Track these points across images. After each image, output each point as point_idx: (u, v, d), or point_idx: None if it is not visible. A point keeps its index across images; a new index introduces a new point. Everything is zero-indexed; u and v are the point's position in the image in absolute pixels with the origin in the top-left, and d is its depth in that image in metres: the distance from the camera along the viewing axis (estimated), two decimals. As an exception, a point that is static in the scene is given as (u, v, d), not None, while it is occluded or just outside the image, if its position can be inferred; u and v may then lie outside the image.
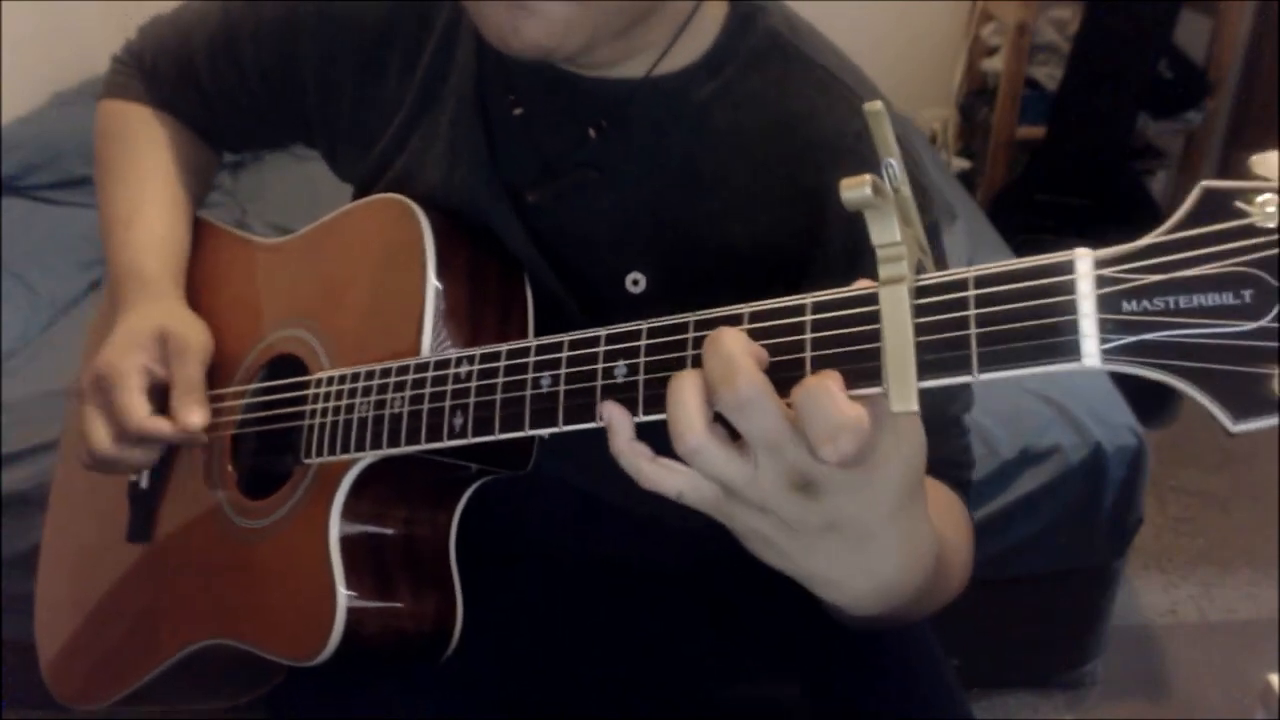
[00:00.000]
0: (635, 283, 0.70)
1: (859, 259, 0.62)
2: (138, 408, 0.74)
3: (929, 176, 0.72)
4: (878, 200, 0.40)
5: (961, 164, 2.73)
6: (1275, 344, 0.36)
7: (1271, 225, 0.36)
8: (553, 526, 0.83)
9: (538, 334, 0.70)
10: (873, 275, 0.43)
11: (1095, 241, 0.41)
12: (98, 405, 0.76)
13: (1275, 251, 0.36)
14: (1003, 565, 1.43)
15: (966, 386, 0.74)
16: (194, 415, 0.74)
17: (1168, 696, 1.64)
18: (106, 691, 0.83)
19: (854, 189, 0.39)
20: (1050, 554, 1.45)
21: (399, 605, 0.68)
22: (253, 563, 0.72)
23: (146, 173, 0.87)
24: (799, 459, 0.42)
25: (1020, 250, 1.97)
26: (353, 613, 0.65)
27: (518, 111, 0.72)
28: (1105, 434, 1.40)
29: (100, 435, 0.76)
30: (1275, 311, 0.36)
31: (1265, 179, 0.37)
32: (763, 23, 0.70)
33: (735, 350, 0.42)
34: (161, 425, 0.74)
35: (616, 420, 0.47)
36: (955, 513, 0.68)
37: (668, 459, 0.45)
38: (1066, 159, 2.43)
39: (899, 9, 2.65)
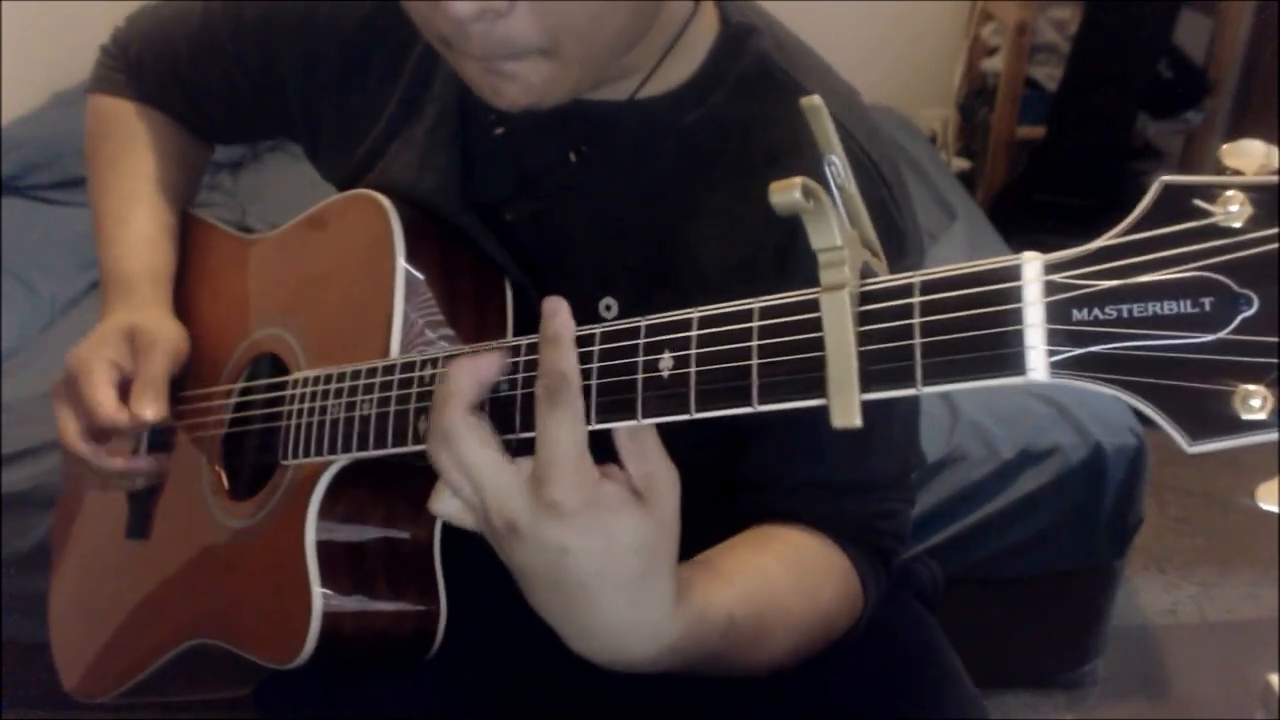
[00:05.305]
0: (608, 308, 0.69)
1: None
2: (105, 400, 0.75)
3: (913, 220, 0.69)
4: (810, 203, 0.37)
5: (961, 164, 2.73)
6: (1237, 358, 0.32)
7: (1236, 225, 0.32)
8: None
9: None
10: None
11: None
12: (68, 402, 0.77)
13: (1239, 255, 0.32)
14: (1003, 565, 1.43)
15: (913, 445, 0.73)
16: (147, 408, 0.74)
17: (1168, 696, 1.64)
18: (109, 684, 0.84)
19: (782, 192, 0.37)
20: (1050, 554, 1.45)
21: (379, 606, 0.68)
22: (237, 563, 0.73)
23: (134, 172, 0.87)
24: (508, 499, 0.48)
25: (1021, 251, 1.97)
26: (329, 614, 0.65)
27: (499, 131, 0.71)
28: (1105, 434, 1.40)
29: (70, 431, 0.76)
30: (1238, 322, 0.32)
31: (1237, 171, 0.33)
32: (754, 46, 0.68)
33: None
34: (121, 416, 0.75)
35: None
36: (816, 576, 0.66)
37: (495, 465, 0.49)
38: (1066, 159, 2.43)
39: (899, 9, 2.65)
